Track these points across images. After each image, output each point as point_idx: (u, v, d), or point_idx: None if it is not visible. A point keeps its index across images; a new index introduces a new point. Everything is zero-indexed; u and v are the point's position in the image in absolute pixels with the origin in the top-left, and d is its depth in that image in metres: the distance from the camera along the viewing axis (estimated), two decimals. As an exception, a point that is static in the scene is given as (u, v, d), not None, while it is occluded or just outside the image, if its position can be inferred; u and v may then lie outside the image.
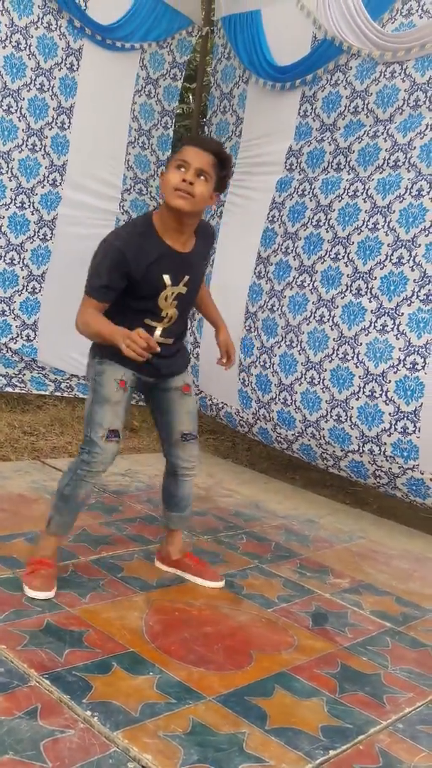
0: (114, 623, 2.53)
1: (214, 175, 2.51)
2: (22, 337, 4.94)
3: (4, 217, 4.69)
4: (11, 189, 4.69)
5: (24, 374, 5.01)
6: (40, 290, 4.97)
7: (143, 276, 2.52)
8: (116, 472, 4.31)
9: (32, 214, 4.82)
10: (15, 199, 4.72)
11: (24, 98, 4.62)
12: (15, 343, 4.92)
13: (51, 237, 4.93)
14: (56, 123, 4.80)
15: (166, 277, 2.57)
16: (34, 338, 4.99)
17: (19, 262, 4.84)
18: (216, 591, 2.94)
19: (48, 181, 4.85)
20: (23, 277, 4.89)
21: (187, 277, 2.63)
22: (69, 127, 4.86)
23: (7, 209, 4.70)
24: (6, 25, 4.43)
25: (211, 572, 3.04)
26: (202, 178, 2.47)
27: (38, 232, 4.88)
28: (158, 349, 2.39)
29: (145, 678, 2.23)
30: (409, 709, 2.30)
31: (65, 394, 5.23)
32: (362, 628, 2.82)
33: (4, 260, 4.77)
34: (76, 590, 2.74)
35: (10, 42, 4.47)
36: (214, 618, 2.71)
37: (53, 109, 4.76)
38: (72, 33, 4.73)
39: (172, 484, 2.98)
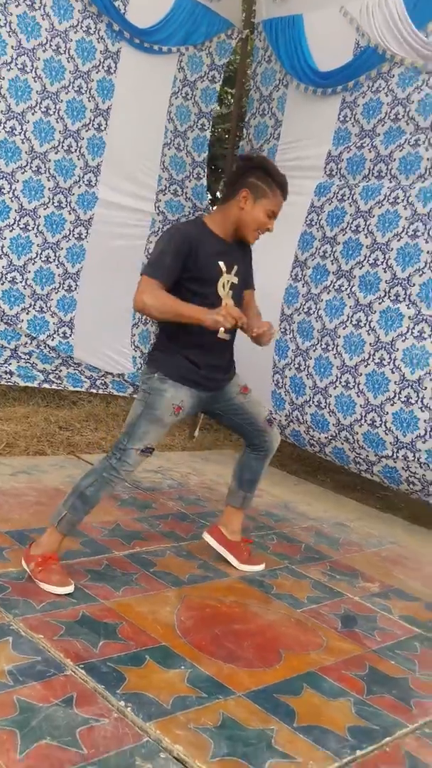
0: (147, 617, 2.59)
1: None
2: (58, 334, 5.02)
3: (41, 216, 4.77)
4: (49, 189, 4.76)
5: (60, 370, 5.08)
6: (75, 288, 5.04)
7: (204, 262, 2.66)
8: (149, 469, 4.37)
9: (69, 213, 4.89)
10: (53, 198, 4.79)
11: (62, 100, 4.67)
12: (52, 340, 4.99)
13: (86, 236, 4.99)
14: (93, 125, 4.85)
15: (221, 264, 2.71)
16: (71, 335, 5.06)
17: (54, 260, 4.91)
18: (246, 589, 2.98)
19: (83, 181, 4.90)
20: (59, 275, 4.96)
21: (236, 267, 2.78)
22: (105, 128, 4.91)
23: (45, 209, 4.77)
24: (46, 29, 4.49)
25: (249, 558, 3.19)
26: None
27: (73, 231, 4.94)
28: (245, 318, 2.61)
29: (176, 672, 2.28)
30: (437, 714, 2.31)
31: (100, 391, 5.29)
32: (391, 632, 2.84)
33: (41, 258, 4.85)
34: (110, 583, 2.79)
35: (50, 45, 4.53)
36: (244, 616, 2.75)
37: (90, 111, 4.81)
38: (110, 36, 4.76)
39: (258, 464, 3.11)
